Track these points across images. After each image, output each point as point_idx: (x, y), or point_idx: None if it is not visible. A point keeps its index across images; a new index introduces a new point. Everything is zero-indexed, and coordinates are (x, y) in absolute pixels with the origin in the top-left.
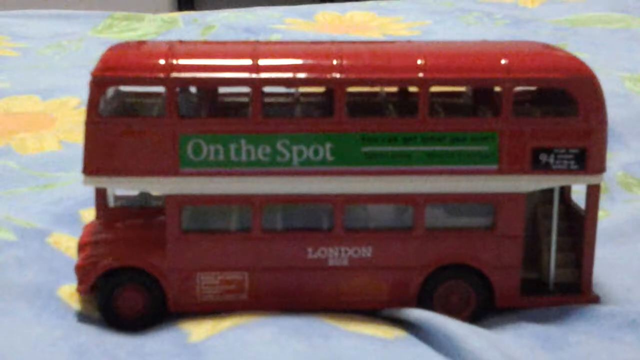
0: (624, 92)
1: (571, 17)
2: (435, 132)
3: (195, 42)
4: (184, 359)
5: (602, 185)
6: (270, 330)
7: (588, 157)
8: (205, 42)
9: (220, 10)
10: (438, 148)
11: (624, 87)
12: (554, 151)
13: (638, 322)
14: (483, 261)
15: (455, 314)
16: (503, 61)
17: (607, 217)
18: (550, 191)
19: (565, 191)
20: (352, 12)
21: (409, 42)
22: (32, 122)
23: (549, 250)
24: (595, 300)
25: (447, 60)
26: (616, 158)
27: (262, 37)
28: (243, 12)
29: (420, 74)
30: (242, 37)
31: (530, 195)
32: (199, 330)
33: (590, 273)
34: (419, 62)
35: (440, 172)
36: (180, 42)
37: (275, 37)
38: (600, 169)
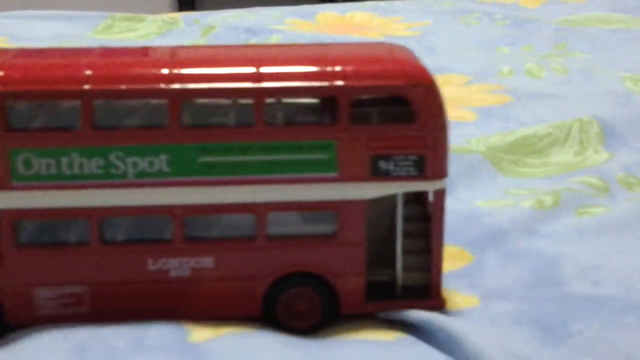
0: (624, 92)
1: (571, 17)
2: (272, 142)
3: (36, 50)
4: (185, 358)
5: (603, 185)
6: (270, 340)
7: (427, 163)
8: (42, 50)
9: (220, 11)
10: (276, 157)
11: (624, 87)
12: (393, 158)
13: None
14: (327, 268)
15: (301, 322)
16: (338, 68)
17: (608, 212)
18: (410, 192)
19: (423, 193)
20: (353, 13)
21: (245, 46)
22: None
23: (402, 253)
24: (442, 304)
25: (283, 67)
26: (617, 158)
27: (262, 38)
28: (244, 12)
29: (258, 85)
30: (242, 37)
31: (387, 198)
32: (199, 332)
33: (439, 276)
34: (260, 70)
35: (280, 181)
36: (22, 50)
37: (275, 37)
38: (440, 174)
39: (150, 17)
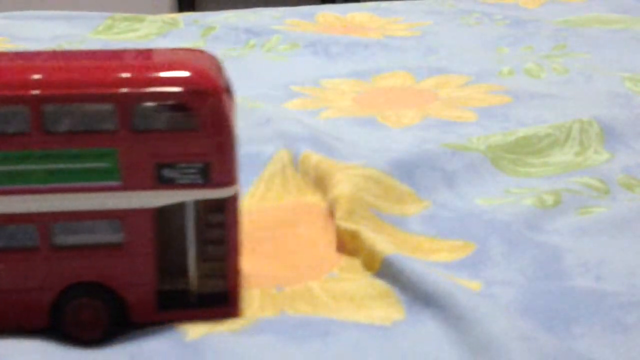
0: (624, 92)
1: (571, 17)
2: (52, 150)
3: None
4: (183, 359)
5: (603, 187)
6: (267, 338)
7: (213, 171)
8: None
9: (221, 11)
10: (56, 166)
11: (624, 87)
12: (178, 166)
13: None
14: (114, 278)
15: (87, 332)
16: (119, 75)
17: (609, 211)
18: (213, 199)
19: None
20: (353, 13)
21: (35, 52)
22: None
23: (195, 260)
24: (238, 312)
25: (64, 74)
26: (617, 159)
27: (262, 38)
28: (244, 12)
29: (34, 91)
30: (243, 37)
31: (184, 205)
32: (194, 330)
33: (235, 284)
34: (33, 77)
35: (61, 190)
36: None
37: (276, 37)
38: (228, 182)
39: (150, 17)
